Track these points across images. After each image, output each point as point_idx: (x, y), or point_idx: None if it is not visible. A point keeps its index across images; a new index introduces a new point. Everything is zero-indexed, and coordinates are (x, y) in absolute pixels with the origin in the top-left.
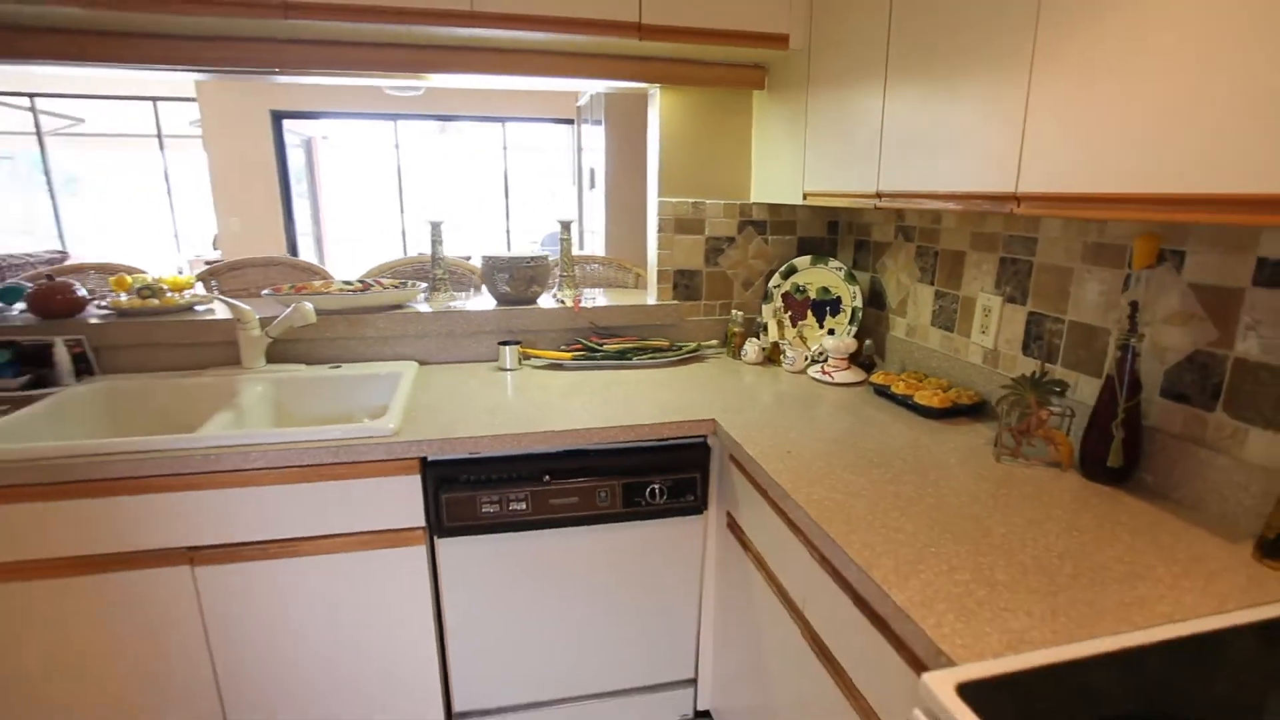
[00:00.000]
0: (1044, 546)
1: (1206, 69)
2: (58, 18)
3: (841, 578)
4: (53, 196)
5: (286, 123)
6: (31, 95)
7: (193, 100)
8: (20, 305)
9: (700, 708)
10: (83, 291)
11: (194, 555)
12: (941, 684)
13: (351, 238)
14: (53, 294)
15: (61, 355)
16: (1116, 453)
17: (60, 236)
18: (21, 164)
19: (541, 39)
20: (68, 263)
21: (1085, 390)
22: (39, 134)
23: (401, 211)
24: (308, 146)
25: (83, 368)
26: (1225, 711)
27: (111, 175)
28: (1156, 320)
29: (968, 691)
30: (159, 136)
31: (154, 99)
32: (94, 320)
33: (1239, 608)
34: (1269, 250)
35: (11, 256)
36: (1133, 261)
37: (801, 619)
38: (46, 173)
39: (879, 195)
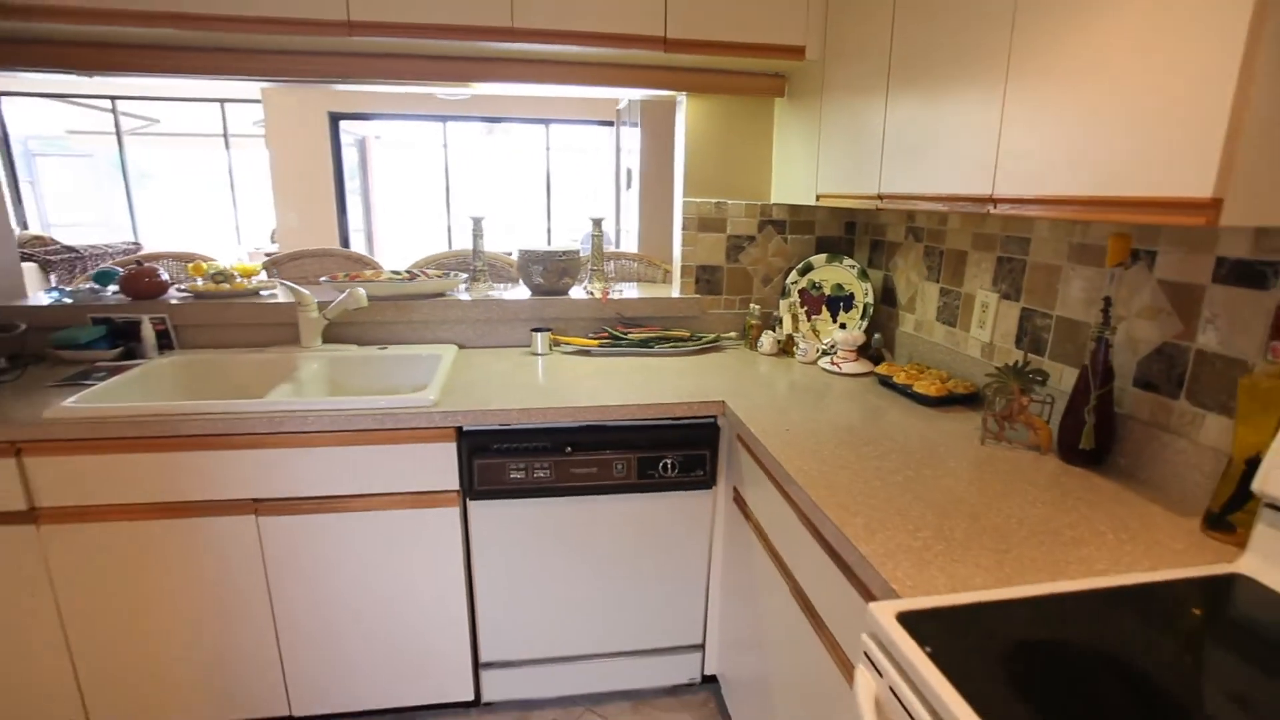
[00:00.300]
0: (1006, 515)
1: (1122, 99)
2: (151, 36)
3: (821, 536)
4: (128, 192)
5: (342, 123)
6: (113, 98)
7: (257, 102)
8: (113, 287)
9: (707, 672)
10: (165, 276)
11: (259, 506)
12: (884, 612)
13: (400, 232)
14: (141, 278)
15: (147, 331)
16: (1088, 436)
17: (134, 228)
18: (100, 162)
19: (575, 51)
20: (142, 252)
21: (1069, 380)
22: (118, 134)
23: (448, 208)
24: (361, 145)
25: (164, 343)
26: (1128, 651)
27: (179, 171)
28: (1131, 315)
29: (906, 619)
30: (225, 136)
31: (221, 100)
32: (174, 301)
33: (1169, 568)
34: (1226, 250)
35: (92, 246)
36: (1106, 259)
37: (791, 578)
38: (124, 170)
39: (880, 197)
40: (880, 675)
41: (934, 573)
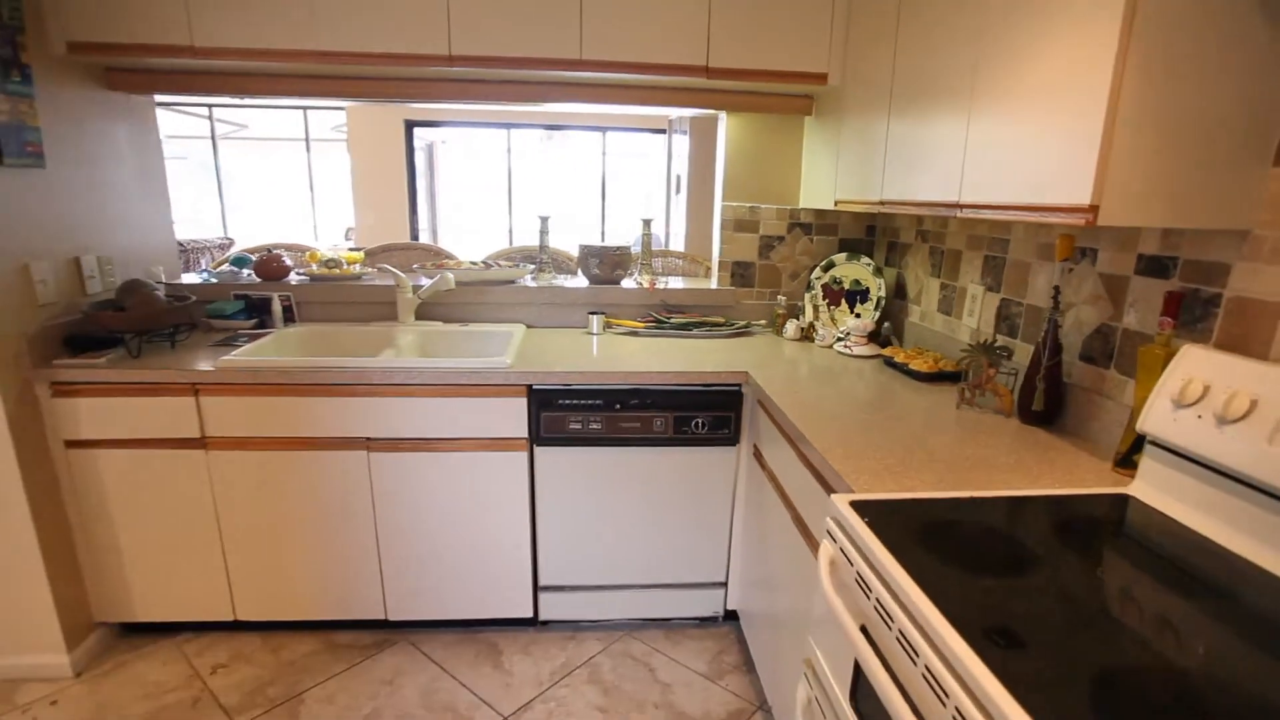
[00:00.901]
0: (958, 454)
1: (1042, 130)
2: (291, 68)
3: (812, 467)
4: (220, 191)
5: (415, 130)
6: (210, 105)
7: (339, 109)
8: (248, 271)
9: (729, 607)
10: (289, 262)
11: (370, 444)
12: (841, 500)
13: (462, 230)
14: (271, 263)
15: (276, 306)
16: (1039, 399)
17: (224, 225)
18: (192, 164)
19: (631, 78)
20: (235, 247)
21: None
22: (214, 139)
23: (510, 208)
24: (429, 150)
25: (289, 316)
26: (1016, 530)
27: (262, 172)
28: (1079, 302)
29: (855, 505)
30: (306, 140)
31: (304, 108)
32: (295, 282)
33: (1073, 489)
34: (1144, 248)
35: (193, 241)
36: (1056, 255)
37: (792, 508)
38: (217, 171)
39: (881, 203)
40: (834, 542)
41: (885, 482)
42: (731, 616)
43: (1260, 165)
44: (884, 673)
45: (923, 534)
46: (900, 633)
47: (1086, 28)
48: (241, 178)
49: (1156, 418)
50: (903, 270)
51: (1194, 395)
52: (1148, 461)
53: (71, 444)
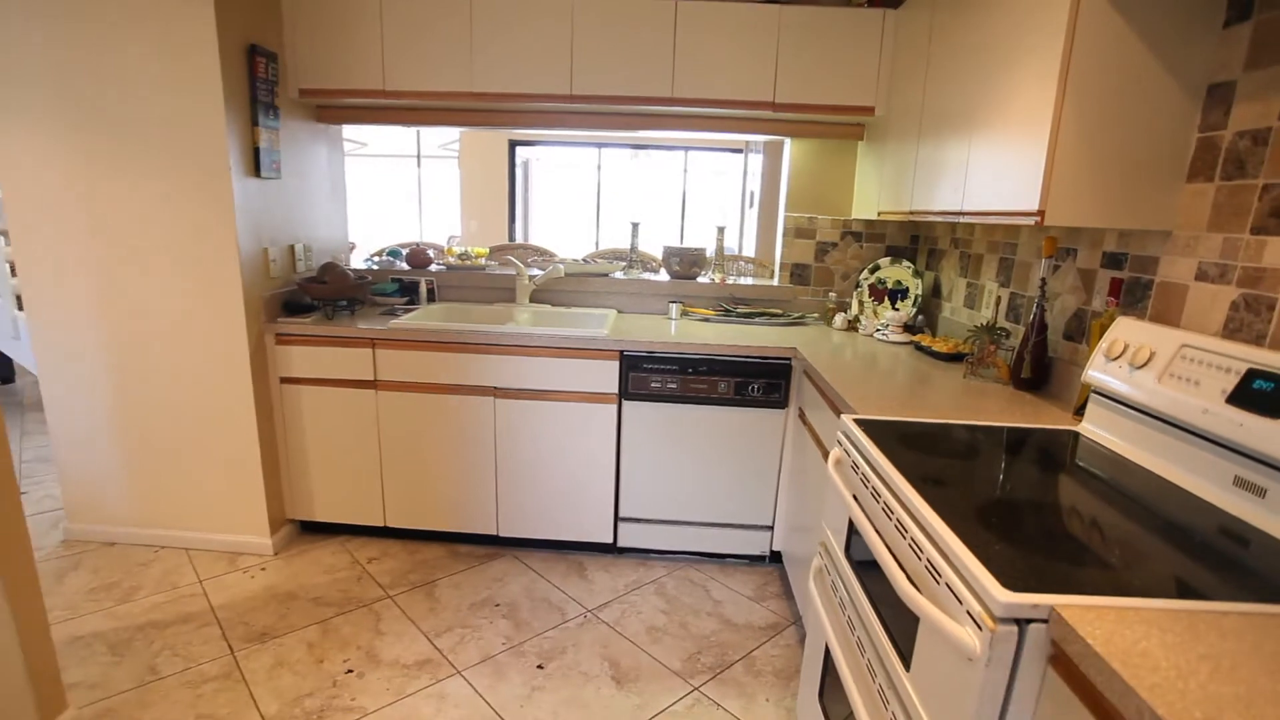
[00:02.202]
0: (951, 404)
1: (1015, 152)
2: (453, 103)
3: (835, 409)
4: (345, 203)
5: (517, 148)
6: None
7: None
8: (401, 262)
9: (774, 549)
10: (431, 254)
11: (496, 392)
12: (848, 418)
13: (552, 234)
14: (419, 254)
15: (422, 288)
16: (1027, 367)
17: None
18: None
19: (711, 111)
20: (356, 250)
21: None
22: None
23: (598, 218)
24: (525, 166)
25: (431, 295)
26: (977, 443)
27: (376, 184)
28: (1063, 292)
29: (859, 421)
30: (418, 157)
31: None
32: (435, 269)
33: (1028, 425)
34: (1107, 247)
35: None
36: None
37: (823, 448)
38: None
39: (911, 212)
40: (839, 446)
41: (885, 413)
42: (776, 559)
43: (1177, 181)
44: (863, 517)
45: (901, 438)
46: (873, 488)
47: (1037, 82)
48: (359, 189)
49: (1093, 370)
50: (938, 272)
51: (1117, 351)
52: (1091, 406)
53: (285, 380)
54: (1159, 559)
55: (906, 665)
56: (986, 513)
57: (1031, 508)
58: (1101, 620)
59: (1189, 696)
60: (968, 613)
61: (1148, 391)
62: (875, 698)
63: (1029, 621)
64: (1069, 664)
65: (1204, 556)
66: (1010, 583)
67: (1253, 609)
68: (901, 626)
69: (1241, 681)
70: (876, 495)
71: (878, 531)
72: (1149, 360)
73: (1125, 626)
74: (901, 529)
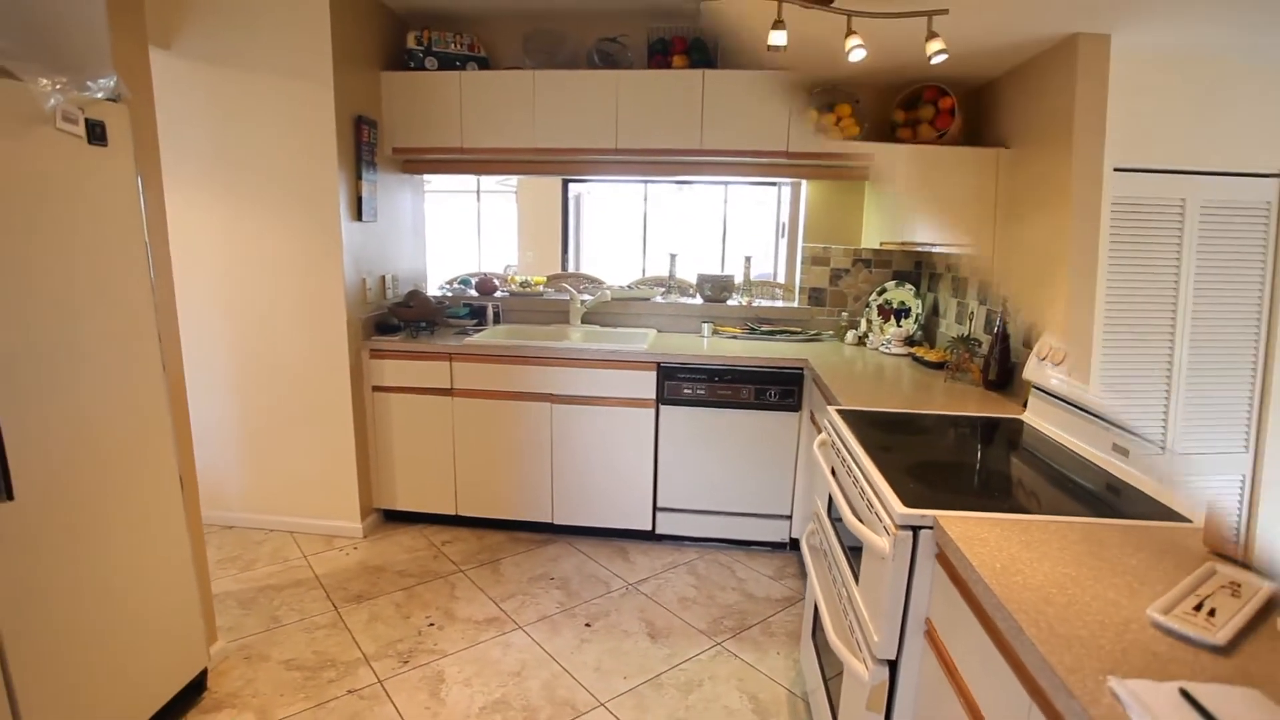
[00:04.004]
0: (924, 400)
1: (940, 204)
2: (514, 155)
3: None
4: (424, 239)
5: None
6: None
7: None
8: (471, 289)
9: (792, 536)
10: (496, 282)
11: (552, 398)
12: (832, 408)
13: (599, 263)
14: (487, 282)
15: (490, 311)
16: (993, 370)
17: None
18: None
19: (734, 159)
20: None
21: None
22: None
23: (644, 247)
24: (577, 199)
25: (497, 319)
26: (933, 427)
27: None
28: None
29: (840, 412)
30: (478, 193)
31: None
32: (500, 295)
33: (982, 414)
34: None
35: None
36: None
37: None
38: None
39: (903, 243)
40: (824, 430)
41: (866, 407)
42: (795, 546)
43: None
44: (834, 483)
45: (872, 422)
46: (842, 457)
47: (975, 197)
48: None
49: (1030, 368)
50: (936, 294)
51: (1044, 352)
52: (1030, 398)
53: (376, 388)
54: (1024, 494)
55: (857, 580)
56: (915, 467)
57: (953, 466)
58: (965, 524)
59: (999, 561)
60: (883, 527)
61: (1062, 385)
62: (840, 614)
63: (920, 529)
64: (946, 559)
65: (1065, 491)
66: (909, 502)
67: (1066, 520)
68: (857, 557)
69: (1043, 557)
70: (844, 463)
71: (842, 489)
72: (1063, 360)
73: (977, 527)
74: (854, 480)
